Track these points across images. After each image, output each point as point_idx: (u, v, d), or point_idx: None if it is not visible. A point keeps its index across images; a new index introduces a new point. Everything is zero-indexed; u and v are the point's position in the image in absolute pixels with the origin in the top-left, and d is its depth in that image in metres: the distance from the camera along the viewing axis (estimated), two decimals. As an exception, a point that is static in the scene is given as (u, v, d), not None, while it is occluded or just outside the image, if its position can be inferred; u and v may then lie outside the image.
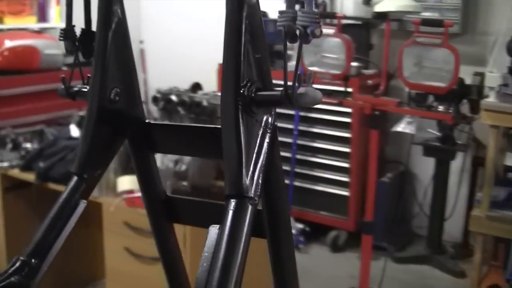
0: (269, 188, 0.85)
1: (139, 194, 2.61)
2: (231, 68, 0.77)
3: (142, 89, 4.65)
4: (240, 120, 0.76)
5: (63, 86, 0.97)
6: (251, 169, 0.77)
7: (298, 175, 4.21)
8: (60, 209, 0.90)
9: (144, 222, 2.45)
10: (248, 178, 0.76)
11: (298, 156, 4.18)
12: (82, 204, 0.91)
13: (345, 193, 4.09)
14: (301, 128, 4.15)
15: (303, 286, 3.32)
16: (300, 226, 4.11)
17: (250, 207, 0.76)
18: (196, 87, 3.05)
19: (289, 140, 4.15)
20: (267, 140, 0.80)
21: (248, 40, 0.77)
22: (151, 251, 2.55)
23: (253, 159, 0.78)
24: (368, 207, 3.06)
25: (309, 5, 0.73)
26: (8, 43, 3.77)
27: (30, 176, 3.03)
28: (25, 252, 0.88)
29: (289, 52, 0.92)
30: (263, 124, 0.80)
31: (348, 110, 3.89)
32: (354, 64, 3.58)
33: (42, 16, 4.38)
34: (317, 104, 0.74)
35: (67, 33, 0.95)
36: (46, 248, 0.87)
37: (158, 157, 2.71)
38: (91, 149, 0.91)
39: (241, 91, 0.76)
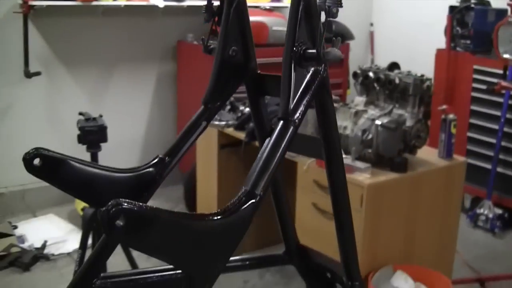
0: (323, 122, 1.17)
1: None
2: (290, 33, 1.11)
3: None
4: (292, 68, 1.09)
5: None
6: (295, 101, 1.10)
7: (501, 161, 4.24)
8: (190, 126, 1.31)
9: None
10: (293, 107, 1.10)
11: (503, 143, 4.20)
12: (204, 124, 1.30)
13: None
14: (508, 116, 4.17)
15: (493, 269, 3.48)
16: (498, 211, 4.15)
17: (291, 127, 1.09)
18: (393, 66, 3.29)
19: (495, 126, 4.20)
20: (315, 85, 1.11)
21: (303, 15, 1.10)
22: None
23: (299, 95, 1.11)
24: None
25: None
26: (242, 19, 4.37)
27: (241, 135, 3.54)
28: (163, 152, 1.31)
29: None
30: (311, 73, 1.12)
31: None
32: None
33: (276, -4, 4.93)
34: (338, 60, 1.05)
35: (207, 8, 1.35)
36: (176, 151, 1.28)
37: (349, 125, 3.04)
38: (214, 88, 1.29)
39: (294, 49, 1.10)
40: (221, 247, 0.99)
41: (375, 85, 3.19)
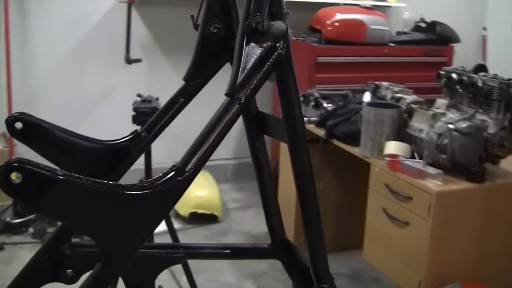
0: (283, 100, 1.11)
1: (402, 159, 2.85)
2: (245, 6, 1.06)
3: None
4: (244, 43, 1.04)
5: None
6: (243, 78, 1.05)
7: None
8: (169, 103, 1.30)
9: (402, 187, 2.70)
10: (239, 84, 1.04)
11: None
12: (181, 100, 1.28)
13: None
14: None
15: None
16: None
17: (236, 105, 1.04)
18: (480, 68, 3.10)
19: None
20: (269, 62, 1.06)
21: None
22: (405, 215, 2.79)
23: (248, 72, 1.05)
24: None
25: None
26: (339, 16, 4.30)
27: (321, 132, 3.48)
28: (142, 128, 1.30)
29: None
30: (265, 49, 1.06)
31: None
32: None
33: (379, -6, 4.81)
34: (281, 33, 0.99)
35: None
36: (154, 127, 1.27)
37: (425, 128, 2.89)
38: (195, 65, 1.27)
39: (247, 23, 1.05)
40: (139, 221, 0.96)
41: (458, 87, 3.02)
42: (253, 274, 3.66)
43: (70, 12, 4.43)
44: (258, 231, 4.27)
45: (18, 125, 1.22)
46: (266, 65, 1.05)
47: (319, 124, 3.50)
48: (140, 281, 1.31)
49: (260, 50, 1.06)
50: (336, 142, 3.36)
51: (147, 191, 0.95)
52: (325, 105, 3.60)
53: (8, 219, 4.04)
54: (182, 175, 0.97)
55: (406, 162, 2.87)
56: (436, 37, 4.62)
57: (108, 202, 0.93)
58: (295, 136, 1.14)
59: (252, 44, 1.06)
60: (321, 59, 4.33)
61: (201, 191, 4.43)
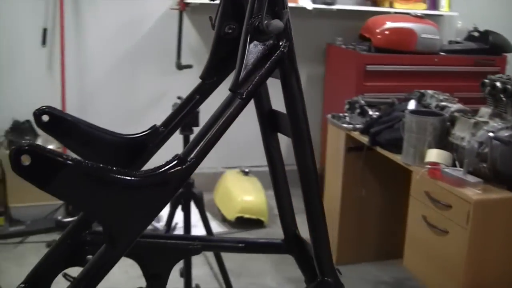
0: (286, 97, 1.15)
1: (442, 167, 2.84)
2: (249, 5, 1.11)
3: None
4: (248, 41, 1.10)
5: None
6: (245, 74, 1.10)
7: None
8: (186, 100, 1.36)
9: (442, 195, 2.69)
10: (242, 80, 1.10)
11: None
12: (197, 97, 1.34)
13: None
14: None
15: None
16: None
17: (238, 100, 1.09)
18: (528, 77, 3.05)
19: None
20: (271, 59, 1.10)
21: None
22: (444, 223, 2.78)
23: (250, 69, 1.11)
24: None
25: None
26: (389, 24, 4.29)
27: (365, 139, 3.49)
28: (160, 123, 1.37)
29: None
30: (267, 47, 1.11)
31: None
32: None
33: (432, 4, 4.76)
34: (278, 31, 1.04)
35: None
36: (171, 122, 1.33)
37: (467, 137, 2.87)
38: (210, 64, 1.32)
39: (250, 22, 1.10)
40: (142, 206, 1.02)
41: (502, 96, 2.98)
42: (294, 279, 3.69)
43: (123, 18, 4.59)
44: (305, 237, 4.29)
45: (45, 118, 1.30)
46: (268, 63, 1.10)
47: (363, 131, 3.51)
48: (158, 271, 1.37)
49: (263, 48, 1.11)
50: (379, 150, 3.37)
51: (150, 178, 1.01)
52: (370, 112, 3.60)
53: (59, 217, 4.22)
54: (184, 164, 1.03)
55: (447, 170, 2.85)
56: (488, 47, 4.56)
57: (112, 188, 0.99)
58: (298, 132, 1.19)
59: (256, 42, 1.11)
60: (370, 67, 4.34)
61: (248, 196, 4.49)
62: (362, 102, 3.66)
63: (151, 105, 4.76)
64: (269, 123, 1.34)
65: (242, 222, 4.45)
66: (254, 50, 1.11)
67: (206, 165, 5.03)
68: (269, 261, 3.92)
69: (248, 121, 5.55)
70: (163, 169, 1.02)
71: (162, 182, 1.02)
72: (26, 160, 0.92)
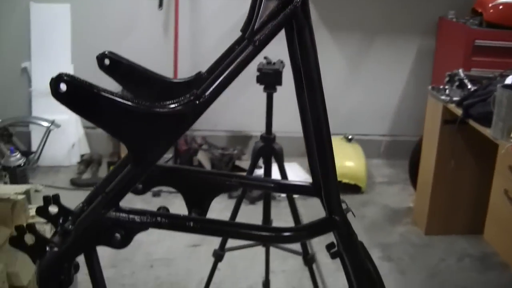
0: (299, 50, 1.27)
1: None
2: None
3: None
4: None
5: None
6: (260, 24, 1.23)
7: None
8: (227, 50, 1.51)
9: None
10: (257, 29, 1.23)
11: None
12: (237, 48, 1.46)
13: None
14: None
15: None
16: None
17: (250, 47, 1.22)
18: None
19: None
20: (284, 12, 1.22)
21: None
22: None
23: (264, 20, 1.24)
24: None
25: None
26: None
27: (459, 112, 3.47)
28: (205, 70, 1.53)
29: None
30: (282, 1, 1.23)
31: None
32: None
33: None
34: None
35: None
36: (215, 70, 1.47)
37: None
38: (249, 18, 1.45)
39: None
40: (161, 133, 1.19)
41: None
42: (383, 244, 3.79)
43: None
44: (399, 206, 4.37)
45: (106, 61, 1.51)
46: (282, 15, 1.22)
47: (458, 104, 3.50)
48: (198, 202, 1.55)
49: (277, 2, 1.24)
50: (471, 123, 3.36)
51: (168, 110, 1.18)
52: (469, 86, 3.58)
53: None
54: (199, 99, 1.19)
55: (532, 146, 2.82)
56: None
57: (135, 116, 1.17)
58: (311, 83, 1.29)
59: (271, -3, 1.24)
60: (479, 43, 4.27)
61: (348, 162, 4.60)
62: (462, 75, 3.64)
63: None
64: (301, 81, 1.43)
65: (341, 187, 4.54)
66: (269, 4, 1.24)
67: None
68: (360, 225, 4.02)
69: (354, 89, 5.76)
70: (182, 102, 1.19)
71: (180, 113, 1.18)
72: (63, 87, 1.12)
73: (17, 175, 3.86)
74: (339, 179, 4.46)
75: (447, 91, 3.71)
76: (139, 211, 1.28)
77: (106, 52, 1.50)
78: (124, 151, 4.54)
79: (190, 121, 1.22)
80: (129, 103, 1.16)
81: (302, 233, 1.38)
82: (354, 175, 4.54)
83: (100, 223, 1.26)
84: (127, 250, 3.91)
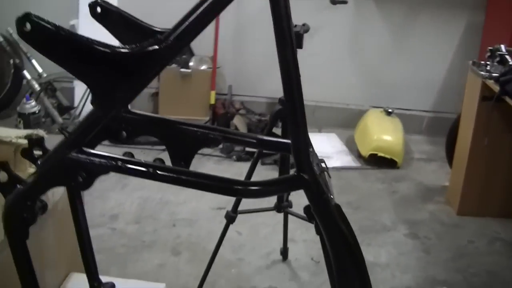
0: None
1: None
2: None
3: None
4: None
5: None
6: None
7: None
8: None
9: None
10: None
11: None
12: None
13: None
14: None
15: None
16: None
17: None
18: None
19: None
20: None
21: None
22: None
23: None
24: None
25: None
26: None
27: (497, 88, 3.34)
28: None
29: None
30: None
31: None
32: None
33: None
34: None
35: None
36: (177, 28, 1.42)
37: None
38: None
39: None
40: (123, 77, 1.18)
41: None
42: (410, 220, 3.71)
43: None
44: (433, 184, 4.27)
45: (98, 9, 1.51)
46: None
47: (496, 80, 3.37)
48: (181, 155, 1.55)
49: None
50: (508, 100, 3.23)
51: (125, 51, 1.17)
52: (510, 62, 3.44)
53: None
54: (161, 44, 1.17)
55: None
56: None
57: (98, 58, 1.16)
58: (280, 32, 1.26)
59: None
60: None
61: (385, 135, 4.52)
62: (503, 50, 3.50)
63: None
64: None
65: (376, 160, 4.48)
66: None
67: (353, 102, 5.14)
68: (390, 200, 3.95)
69: (397, 63, 5.60)
70: (143, 47, 1.17)
71: (141, 58, 1.17)
72: (27, 26, 1.13)
73: (30, 122, 3.97)
74: (374, 152, 4.41)
75: (488, 67, 3.57)
76: (101, 155, 1.28)
77: (97, 1, 1.50)
78: (163, 110, 4.64)
79: (153, 67, 1.20)
80: (88, 42, 1.16)
81: (270, 188, 1.35)
82: (390, 149, 4.45)
83: (62, 164, 1.27)
84: (153, 208, 3.98)
